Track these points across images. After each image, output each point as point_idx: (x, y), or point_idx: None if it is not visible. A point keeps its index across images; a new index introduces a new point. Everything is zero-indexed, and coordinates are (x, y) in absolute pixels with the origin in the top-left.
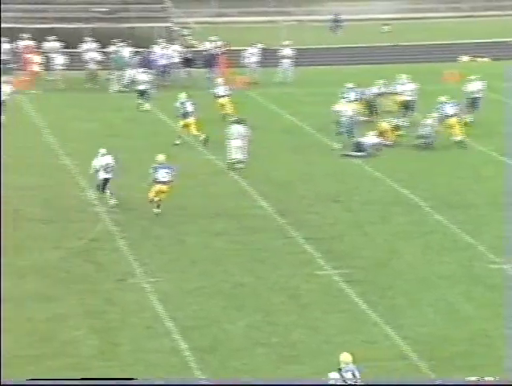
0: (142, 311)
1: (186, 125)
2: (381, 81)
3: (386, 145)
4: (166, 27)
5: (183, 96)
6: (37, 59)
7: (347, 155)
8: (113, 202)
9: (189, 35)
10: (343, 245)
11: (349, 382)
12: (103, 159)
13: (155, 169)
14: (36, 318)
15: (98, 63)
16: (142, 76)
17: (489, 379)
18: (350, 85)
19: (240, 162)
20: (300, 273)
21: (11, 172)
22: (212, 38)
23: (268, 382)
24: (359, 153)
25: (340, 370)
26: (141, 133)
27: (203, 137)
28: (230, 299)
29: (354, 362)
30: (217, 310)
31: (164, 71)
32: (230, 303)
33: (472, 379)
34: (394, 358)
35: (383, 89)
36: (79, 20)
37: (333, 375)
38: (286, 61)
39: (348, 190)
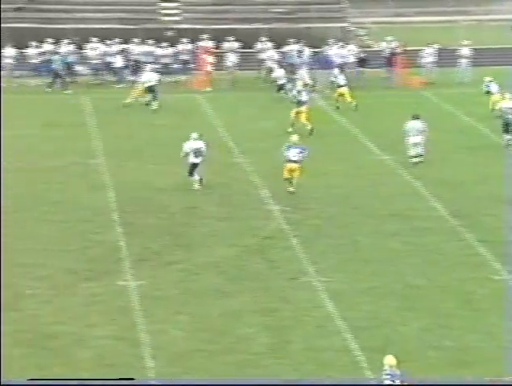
0: (313, 310)
1: (297, 113)
2: None
3: None
4: (342, 27)
5: (299, 83)
6: (211, 59)
7: None
8: (197, 187)
9: (365, 35)
10: None
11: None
12: (194, 144)
13: (288, 148)
14: (211, 314)
15: (276, 62)
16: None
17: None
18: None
19: (419, 155)
20: (474, 276)
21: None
22: (389, 38)
23: (270, 382)
24: None
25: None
26: (314, 133)
27: (310, 126)
28: (402, 300)
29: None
30: (389, 310)
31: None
32: (402, 304)
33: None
34: None
35: None
36: (258, 21)
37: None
38: (464, 61)
39: None
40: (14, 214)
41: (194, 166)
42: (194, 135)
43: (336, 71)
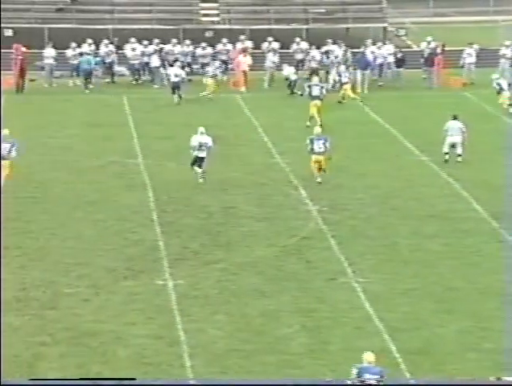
0: (352, 311)
1: (314, 106)
2: None
3: None
4: (381, 28)
5: (315, 79)
6: (247, 59)
7: None
8: (201, 180)
9: (405, 35)
10: None
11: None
12: (201, 138)
13: (311, 140)
14: (250, 314)
15: (318, 62)
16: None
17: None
18: None
19: (458, 155)
20: None
21: (228, 170)
22: (428, 38)
23: (269, 382)
24: None
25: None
26: (354, 134)
27: (319, 124)
28: (441, 302)
29: None
30: (428, 312)
31: (380, 71)
32: (441, 306)
33: None
34: None
35: None
36: (297, 21)
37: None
38: (504, 61)
39: None
40: (55, 214)
41: (199, 159)
42: (201, 129)
43: (342, 68)
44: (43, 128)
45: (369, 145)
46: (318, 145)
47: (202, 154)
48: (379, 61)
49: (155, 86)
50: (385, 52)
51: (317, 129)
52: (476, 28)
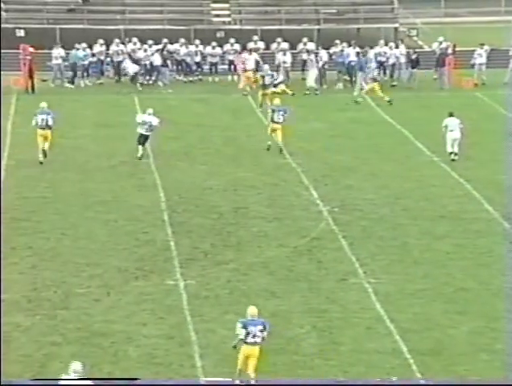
0: (363, 311)
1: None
2: None
3: None
4: (393, 28)
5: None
6: (254, 59)
7: None
8: (139, 155)
9: (416, 36)
10: None
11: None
12: (148, 117)
13: (273, 110)
14: (261, 315)
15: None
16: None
17: None
18: None
19: (455, 154)
20: None
21: (240, 170)
22: (440, 38)
23: (269, 382)
24: None
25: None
26: (365, 134)
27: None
28: (452, 303)
29: None
30: (439, 313)
31: (392, 71)
32: (452, 307)
33: None
34: None
35: None
36: (307, 22)
37: (239, 331)
38: None
39: None
40: (66, 214)
41: (143, 137)
42: (149, 110)
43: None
44: (54, 128)
45: (380, 145)
46: (277, 116)
47: (146, 133)
48: (391, 61)
49: (160, 84)
50: (398, 52)
51: (277, 100)
52: (488, 28)
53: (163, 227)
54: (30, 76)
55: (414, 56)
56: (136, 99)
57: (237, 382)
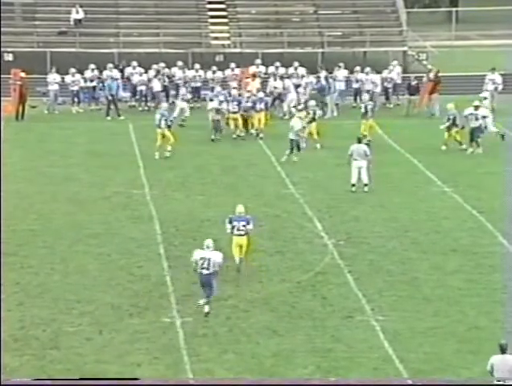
0: (370, 351)
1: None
2: None
3: None
4: (401, 51)
5: None
6: (254, 83)
7: None
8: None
9: (425, 60)
10: None
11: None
12: (208, 253)
13: (231, 220)
14: (261, 354)
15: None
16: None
17: None
18: None
19: (365, 185)
20: None
21: (239, 201)
22: (429, 67)
23: (270, 382)
24: None
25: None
26: (372, 163)
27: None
28: (465, 342)
29: None
30: (451, 353)
31: (386, 94)
32: (465, 347)
33: None
34: None
35: None
36: (311, 44)
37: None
38: None
39: None
40: (55, 247)
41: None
42: (208, 242)
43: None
44: (43, 157)
45: (389, 174)
46: (238, 227)
47: (206, 272)
48: (387, 85)
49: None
50: (394, 75)
51: (240, 208)
52: (499, 52)
53: (158, 261)
54: (22, 102)
55: (414, 83)
56: (131, 126)
57: None
